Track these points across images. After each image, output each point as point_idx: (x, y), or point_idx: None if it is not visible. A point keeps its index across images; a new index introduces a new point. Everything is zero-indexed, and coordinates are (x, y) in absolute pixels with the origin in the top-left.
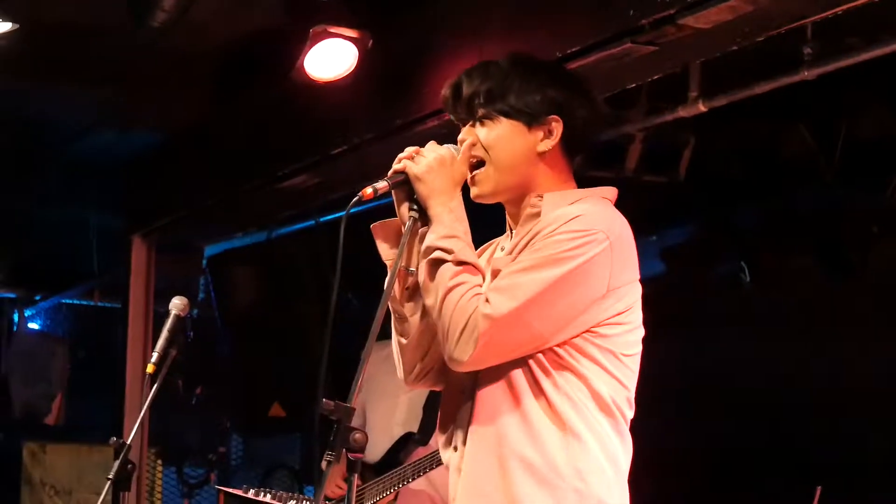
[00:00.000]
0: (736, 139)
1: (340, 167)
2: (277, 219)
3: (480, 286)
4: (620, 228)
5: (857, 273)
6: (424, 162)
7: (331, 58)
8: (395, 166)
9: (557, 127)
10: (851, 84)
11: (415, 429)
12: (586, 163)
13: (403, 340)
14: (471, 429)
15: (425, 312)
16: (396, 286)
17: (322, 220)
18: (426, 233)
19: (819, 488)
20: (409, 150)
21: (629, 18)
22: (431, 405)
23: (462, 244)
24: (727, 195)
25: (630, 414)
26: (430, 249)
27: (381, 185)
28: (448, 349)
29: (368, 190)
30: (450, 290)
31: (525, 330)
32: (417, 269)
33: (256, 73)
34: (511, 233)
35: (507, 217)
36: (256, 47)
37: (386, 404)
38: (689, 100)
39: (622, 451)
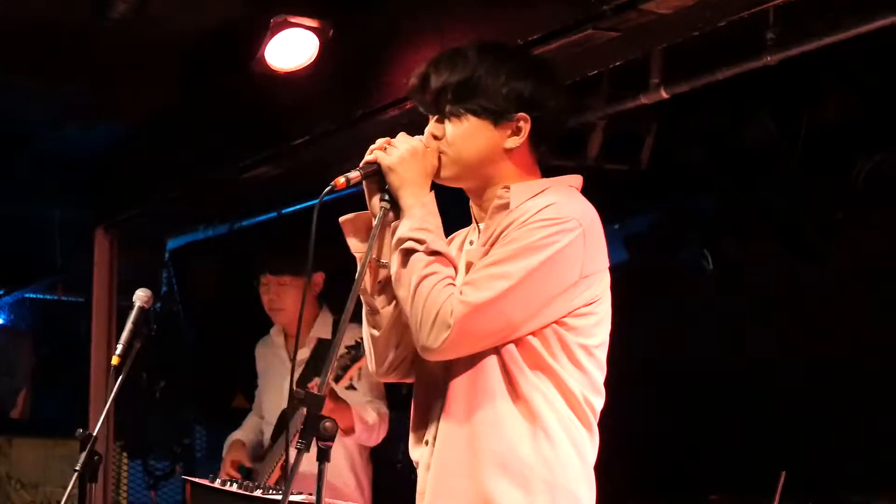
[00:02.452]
0: (698, 126)
1: (302, 158)
2: (240, 210)
3: (453, 277)
4: (592, 216)
5: (820, 260)
6: (397, 153)
7: (291, 48)
8: (367, 157)
9: (525, 125)
10: (814, 70)
11: None
12: (548, 151)
13: (375, 333)
14: (441, 422)
15: (397, 304)
16: (368, 278)
17: (284, 211)
18: (398, 225)
19: (784, 473)
20: (381, 141)
21: (591, 4)
22: None
23: (434, 236)
24: (689, 183)
25: (599, 405)
26: (402, 240)
27: (354, 174)
28: (420, 338)
29: (341, 179)
30: (423, 278)
31: (500, 318)
32: (390, 260)
33: (218, 65)
34: (477, 225)
35: (471, 208)
36: (217, 39)
37: (279, 393)
38: (650, 86)
39: (589, 443)
